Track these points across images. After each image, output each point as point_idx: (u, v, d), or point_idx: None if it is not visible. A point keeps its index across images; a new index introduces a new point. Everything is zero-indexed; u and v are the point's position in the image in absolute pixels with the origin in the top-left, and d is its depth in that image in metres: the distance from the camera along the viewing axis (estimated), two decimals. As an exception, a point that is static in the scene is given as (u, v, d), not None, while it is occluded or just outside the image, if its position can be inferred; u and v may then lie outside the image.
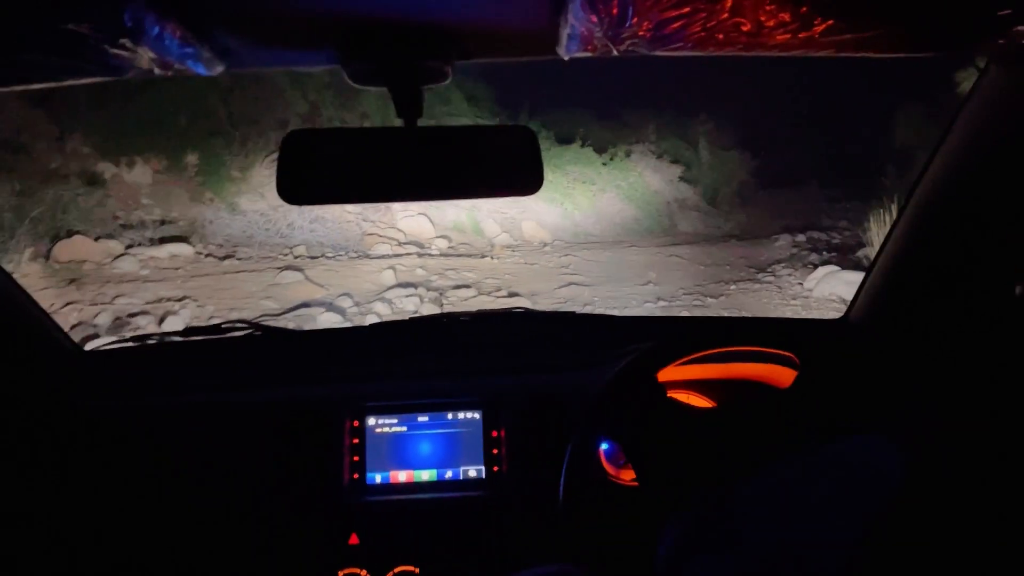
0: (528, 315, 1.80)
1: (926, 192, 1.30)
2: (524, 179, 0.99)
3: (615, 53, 0.82)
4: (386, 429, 1.45)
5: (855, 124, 22.22)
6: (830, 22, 0.77)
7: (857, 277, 7.65)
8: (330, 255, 10.60)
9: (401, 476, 1.44)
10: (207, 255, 9.95)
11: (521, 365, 1.55)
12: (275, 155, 12.82)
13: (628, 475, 1.28)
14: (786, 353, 1.36)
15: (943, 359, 1.35)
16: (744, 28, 0.78)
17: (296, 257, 10.30)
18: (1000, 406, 1.24)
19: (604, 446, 1.38)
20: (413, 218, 13.38)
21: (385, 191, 1.00)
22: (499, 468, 1.44)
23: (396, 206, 13.80)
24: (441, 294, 8.01)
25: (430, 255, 11.03)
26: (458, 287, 8.45)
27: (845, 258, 9.75)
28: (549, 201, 14.50)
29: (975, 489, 1.19)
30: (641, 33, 0.78)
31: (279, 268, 8.70)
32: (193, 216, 11.13)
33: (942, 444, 1.22)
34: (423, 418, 1.46)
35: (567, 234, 14.01)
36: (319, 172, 0.96)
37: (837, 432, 1.02)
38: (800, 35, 0.80)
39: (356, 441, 1.44)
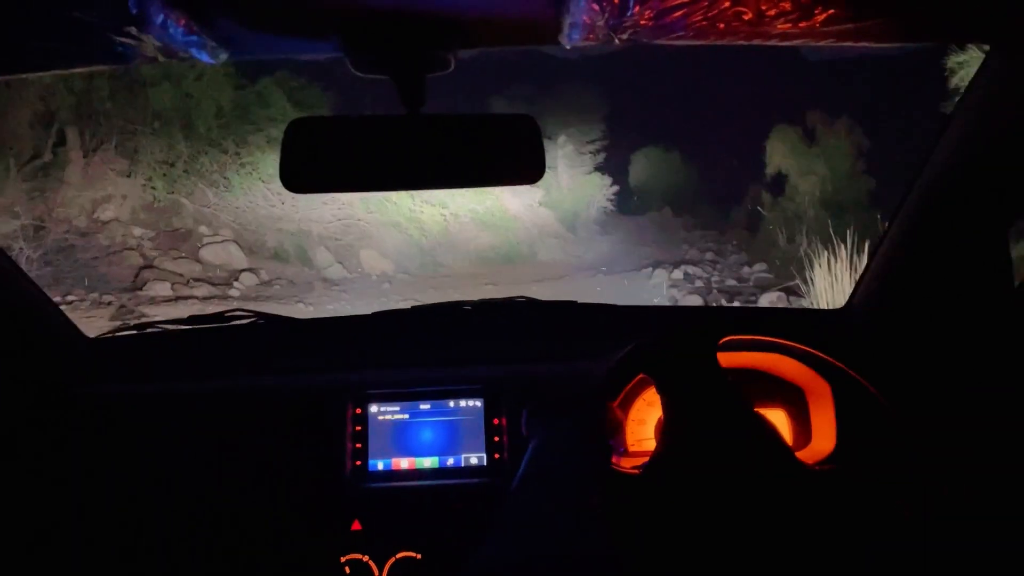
0: (531, 304, 1.67)
1: (927, 183, 1.22)
2: (526, 168, 0.95)
3: (616, 42, 0.80)
4: (388, 416, 1.37)
5: (713, 152, 21.18)
6: (831, 11, 0.74)
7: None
8: (68, 302, 7.08)
9: (403, 463, 1.35)
10: None
11: (523, 354, 1.46)
12: (38, 162, 9.21)
13: (629, 463, 1.18)
14: (791, 343, 1.31)
15: (943, 349, 1.29)
16: (745, 17, 0.75)
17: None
18: (996, 395, 1.19)
19: None
20: (219, 245, 10.08)
21: (388, 179, 0.96)
22: (500, 455, 1.35)
23: (203, 229, 11.08)
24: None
25: (223, 297, 7.75)
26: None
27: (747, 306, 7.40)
28: (393, 227, 11.76)
29: (969, 477, 1.16)
30: (643, 22, 0.75)
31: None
32: None
33: (939, 435, 1.18)
34: (425, 405, 1.38)
35: (414, 264, 11.30)
36: (322, 160, 0.91)
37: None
38: (801, 24, 0.76)
39: (359, 428, 1.36)
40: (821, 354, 1.28)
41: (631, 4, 0.71)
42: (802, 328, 1.33)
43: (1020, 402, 1.15)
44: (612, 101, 20.40)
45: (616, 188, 18.16)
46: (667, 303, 8.77)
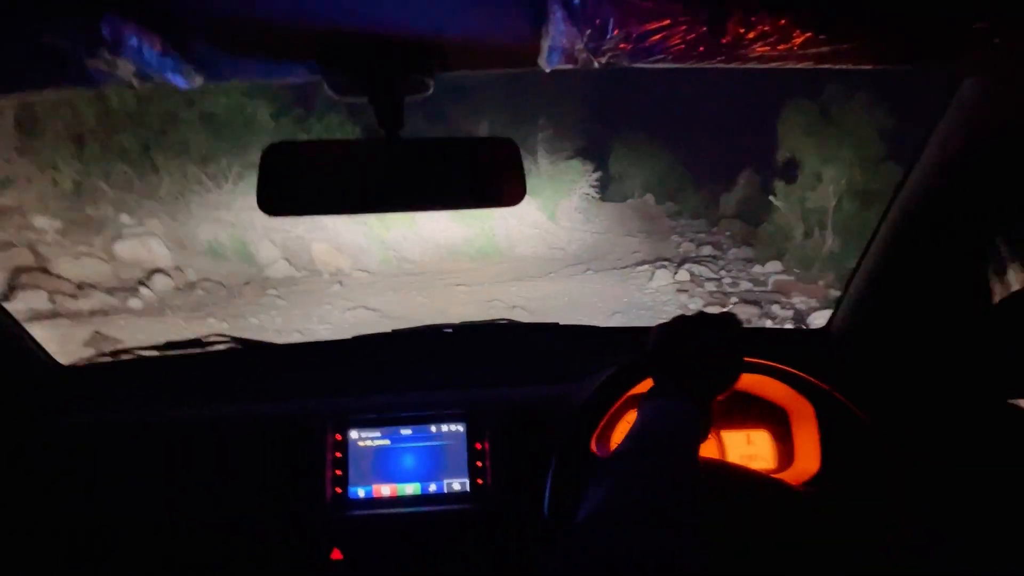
0: (512, 326, 1.59)
1: (904, 205, 1.20)
2: (506, 191, 0.89)
3: (596, 65, 0.77)
4: (369, 443, 1.30)
5: (698, 135, 19.45)
6: (809, 34, 0.73)
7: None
8: None
9: (384, 490, 1.29)
10: None
11: (505, 377, 1.40)
12: None
13: None
14: (775, 365, 1.26)
15: (922, 367, 1.28)
16: (724, 40, 0.73)
17: None
18: (974, 409, 1.18)
19: None
20: (138, 239, 8.09)
21: (367, 202, 0.90)
22: (483, 481, 1.29)
23: (125, 218, 9.06)
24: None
25: (118, 311, 5.70)
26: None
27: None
28: (349, 217, 9.62)
29: (953, 489, 1.14)
30: (622, 46, 0.73)
31: None
32: None
33: (920, 447, 1.17)
34: (406, 431, 1.32)
35: (374, 260, 9.45)
36: (300, 184, 0.88)
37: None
38: (779, 47, 0.75)
39: (339, 455, 1.30)
40: (804, 375, 1.25)
41: (610, 28, 0.69)
42: (785, 348, 1.29)
43: (998, 419, 1.15)
44: (594, 81, 18.79)
45: (599, 174, 16.75)
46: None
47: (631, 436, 0.81)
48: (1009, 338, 1.06)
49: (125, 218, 9.11)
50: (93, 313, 6.01)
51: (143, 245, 8.38)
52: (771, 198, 9.42)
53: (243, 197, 9.80)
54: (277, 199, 0.87)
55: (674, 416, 0.83)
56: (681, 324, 0.96)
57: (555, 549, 0.68)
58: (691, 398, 0.85)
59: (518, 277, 9.29)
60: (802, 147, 9.27)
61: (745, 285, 8.28)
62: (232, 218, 9.61)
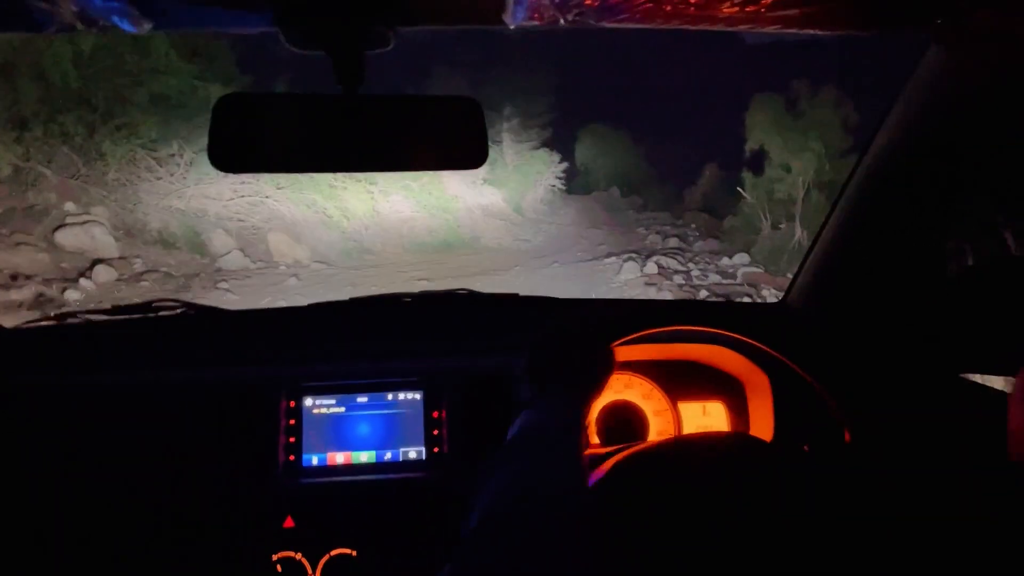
0: (471, 297, 1.61)
1: (864, 176, 1.19)
2: (468, 152, 0.87)
3: (562, 22, 0.75)
4: (323, 410, 1.30)
5: (664, 129, 19.41)
6: None
7: None
8: None
9: (339, 458, 1.28)
10: None
11: (463, 346, 1.40)
12: None
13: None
14: (732, 334, 1.30)
15: (878, 341, 1.26)
16: (692, 0, 0.72)
17: None
18: (927, 382, 1.20)
19: None
20: (80, 227, 7.75)
21: (322, 161, 0.87)
22: (440, 449, 1.30)
23: (70, 207, 8.54)
24: None
25: (46, 304, 5.30)
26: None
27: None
28: (307, 206, 9.48)
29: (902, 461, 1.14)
30: (588, 2, 0.71)
31: None
32: None
33: (874, 423, 1.17)
34: (362, 399, 1.31)
35: (334, 251, 9.13)
36: (254, 139, 0.84)
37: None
38: (747, 8, 0.73)
39: (292, 422, 1.29)
40: (760, 345, 1.28)
41: None
42: (741, 321, 1.31)
43: (951, 391, 1.16)
44: (561, 71, 18.67)
45: (564, 165, 16.59)
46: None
47: (505, 444, 0.80)
48: (964, 313, 1.08)
49: (71, 206, 8.59)
50: (27, 305, 5.58)
51: (86, 233, 7.89)
52: (739, 189, 9.35)
53: (196, 186, 9.32)
54: (229, 154, 0.83)
55: (544, 416, 0.83)
56: (545, 329, 0.99)
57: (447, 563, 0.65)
58: (562, 395, 0.86)
59: (483, 271, 9.05)
60: (769, 139, 9.20)
61: (714, 278, 8.16)
62: (183, 206, 9.14)
